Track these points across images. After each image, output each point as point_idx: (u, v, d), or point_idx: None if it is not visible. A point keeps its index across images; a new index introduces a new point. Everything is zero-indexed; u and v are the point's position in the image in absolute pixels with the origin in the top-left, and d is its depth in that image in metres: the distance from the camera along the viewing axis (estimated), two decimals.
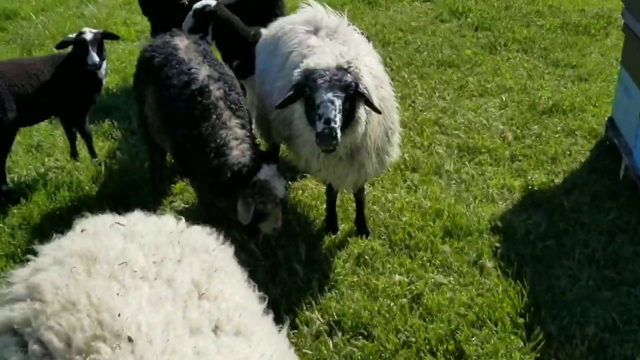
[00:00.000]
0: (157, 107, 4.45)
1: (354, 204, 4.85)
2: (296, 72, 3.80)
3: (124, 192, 5.11)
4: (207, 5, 5.52)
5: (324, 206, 4.95)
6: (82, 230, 1.95)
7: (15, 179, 5.30)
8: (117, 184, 5.18)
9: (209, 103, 4.08)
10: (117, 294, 1.68)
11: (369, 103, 3.74)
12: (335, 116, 3.48)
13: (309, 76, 3.64)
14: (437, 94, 6.82)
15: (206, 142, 4.00)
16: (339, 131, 3.50)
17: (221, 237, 2.18)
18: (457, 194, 5.12)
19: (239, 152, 4.01)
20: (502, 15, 9.09)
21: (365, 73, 3.82)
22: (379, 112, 3.85)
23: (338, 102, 3.52)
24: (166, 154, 5.15)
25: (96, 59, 4.92)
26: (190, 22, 5.58)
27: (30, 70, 4.82)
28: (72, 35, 5.08)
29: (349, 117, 3.66)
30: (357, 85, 3.64)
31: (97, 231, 1.91)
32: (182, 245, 1.96)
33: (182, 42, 4.56)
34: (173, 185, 5.27)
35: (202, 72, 4.24)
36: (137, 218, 2.04)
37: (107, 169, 5.37)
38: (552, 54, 7.74)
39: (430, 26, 8.88)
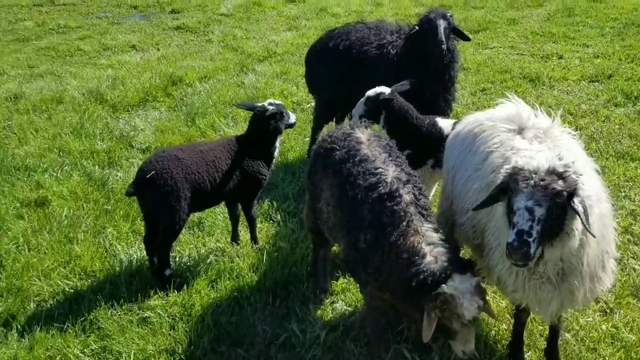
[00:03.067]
0: (335, 204, 4.14)
1: (541, 327, 4.27)
2: (504, 170, 3.36)
3: (284, 286, 4.86)
4: (382, 93, 5.28)
5: (503, 326, 4.40)
6: None
7: (177, 259, 5.23)
8: (278, 276, 4.92)
9: (399, 209, 3.73)
10: None
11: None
12: (531, 227, 3.00)
13: (514, 176, 3.18)
14: (623, 194, 6.07)
15: (397, 251, 3.62)
16: (533, 246, 3.01)
17: None
18: None
19: (432, 258, 3.57)
20: None
21: (587, 182, 3.26)
22: (592, 235, 3.27)
23: (539, 212, 3.02)
24: (331, 247, 4.87)
25: (293, 119, 5.34)
26: (361, 109, 5.36)
27: (207, 157, 4.76)
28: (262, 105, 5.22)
29: (555, 229, 3.13)
30: (571, 195, 3.10)
31: None
32: None
33: (364, 135, 4.27)
34: (335, 282, 4.95)
35: (390, 173, 3.92)
36: None
37: (268, 256, 5.17)
38: None
39: (603, 110, 8.12)
